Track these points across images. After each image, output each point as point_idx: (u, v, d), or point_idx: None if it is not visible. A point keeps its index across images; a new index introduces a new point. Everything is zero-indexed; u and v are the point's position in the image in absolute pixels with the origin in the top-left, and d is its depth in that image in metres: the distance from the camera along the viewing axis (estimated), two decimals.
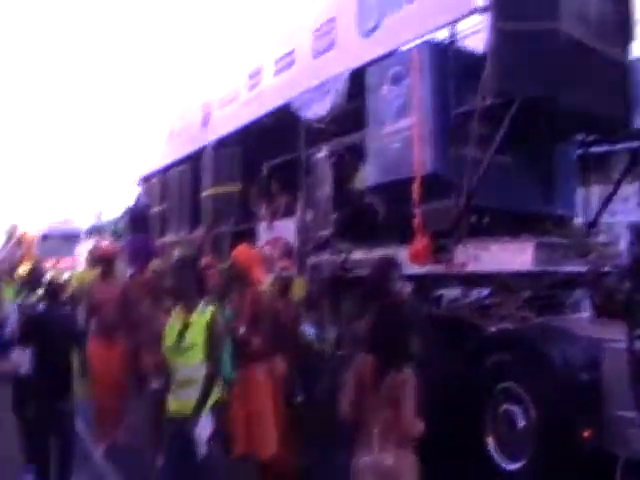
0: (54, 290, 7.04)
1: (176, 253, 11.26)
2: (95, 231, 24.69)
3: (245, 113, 11.96)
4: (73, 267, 26.97)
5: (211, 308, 5.62)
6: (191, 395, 5.34)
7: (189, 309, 5.58)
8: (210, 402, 5.34)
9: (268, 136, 11.44)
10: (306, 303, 8.18)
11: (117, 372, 8.80)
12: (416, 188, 7.59)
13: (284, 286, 7.92)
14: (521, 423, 6.70)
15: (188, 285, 5.67)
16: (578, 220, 9.17)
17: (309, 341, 7.73)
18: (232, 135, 12.64)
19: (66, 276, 25.34)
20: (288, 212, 11.05)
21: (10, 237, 29.95)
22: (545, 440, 6.40)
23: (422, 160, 7.55)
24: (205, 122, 13.80)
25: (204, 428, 5.22)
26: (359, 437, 4.57)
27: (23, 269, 14.16)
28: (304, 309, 8.04)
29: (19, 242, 28.41)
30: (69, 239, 29.54)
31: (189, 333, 5.47)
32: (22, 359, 6.30)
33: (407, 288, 7.53)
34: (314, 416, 7.02)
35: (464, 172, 7.33)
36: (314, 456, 7.19)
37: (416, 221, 7.63)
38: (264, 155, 11.92)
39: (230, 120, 12.58)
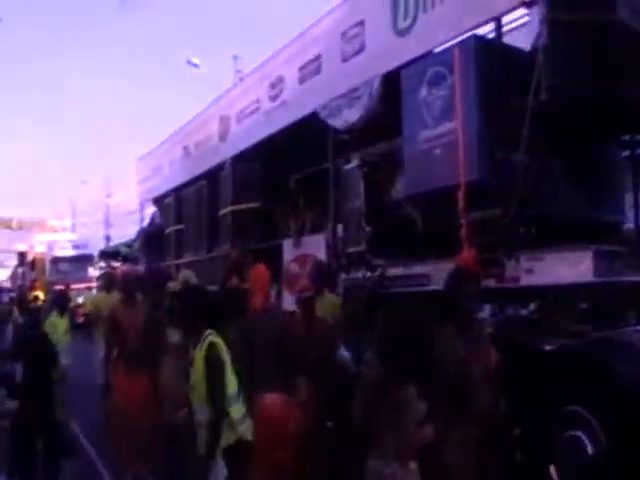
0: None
1: (180, 277, 10.80)
2: (108, 254, 24.26)
3: (266, 125, 11.45)
4: (87, 290, 26.66)
5: (210, 339, 5.11)
6: (200, 440, 5.00)
7: (195, 342, 5.16)
8: (221, 447, 4.93)
9: (292, 148, 10.89)
10: (340, 323, 7.60)
11: (142, 401, 8.23)
12: (461, 196, 7.01)
13: (306, 307, 7.31)
14: (589, 451, 6.08)
15: (190, 315, 5.28)
16: (629, 226, 8.57)
17: (344, 363, 7.13)
18: (252, 149, 12.12)
19: (80, 299, 25.16)
20: (316, 227, 10.52)
21: (23, 261, 29.72)
22: (617, 470, 5.78)
23: (467, 166, 6.96)
24: (223, 137, 13.31)
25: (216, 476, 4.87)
26: (376, 445, 4.49)
27: (37, 294, 13.96)
28: (338, 329, 7.46)
29: (32, 266, 28.13)
30: (80, 261, 29.28)
31: (193, 370, 5.10)
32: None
33: None
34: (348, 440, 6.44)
35: (513, 178, 6.74)
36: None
37: (462, 232, 7.05)
38: (287, 168, 11.40)
39: (250, 133, 12.08)
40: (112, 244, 26.14)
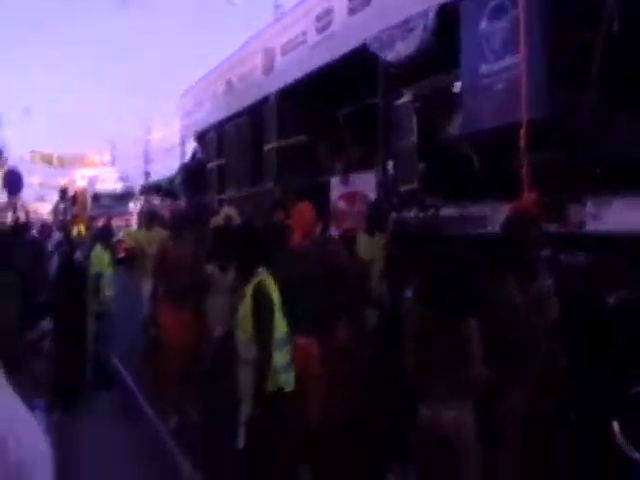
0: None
1: (222, 215, 10.58)
2: (150, 189, 24.12)
3: (313, 58, 11.05)
4: (127, 226, 26.70)
5: (260, 277, 4.93)
6: (241, 377, 4.89)
7: (245, 280, 4.97)
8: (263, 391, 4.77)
9: (339, 82, 10.53)
10: (387, 263, 7.36)
11: (189, 339, 8.13)
12: (523, 135, 6.62)
13: (347, 245, 7.12)
14: None
15: (242, 253, 5.11)
16: None
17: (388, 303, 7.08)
18: (298, 83, 11.73)
19: (120, 235, 25.19)
20: (364, 164, 10.21)
21: (64, 195, 29.72)
22: None
23: (531, 103, 6.56)
24: (267, 70, 12.94)
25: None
26: (422, 392, 4.44)
27: (79, 229, 13.91)
28: (384, 270, 7.24)
29: (73, 200, 28.14)
30: (121, 197, 29.31)
31: (241, 307, 4.94)
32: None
33: None
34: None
35: (580, 117, 6.35)
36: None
37: (523, 174, 6.69)
38: (334, 103, 11.05)
39: (295, 67, 11.70)
40: (152, 180, 25.88)
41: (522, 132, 6.60)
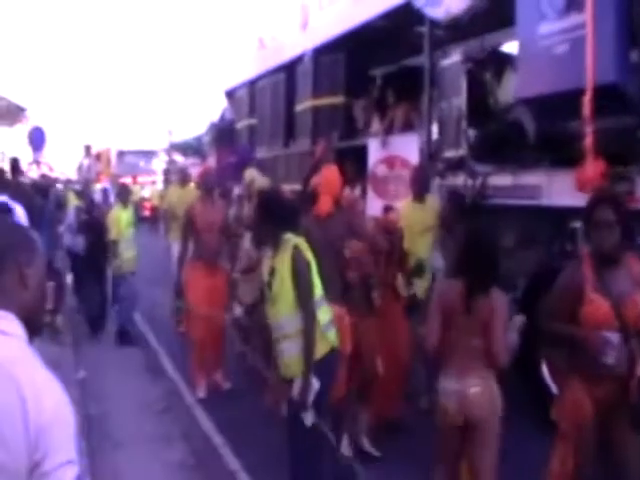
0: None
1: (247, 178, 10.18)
2: (176, 148, 23.73)
3: (352, 14, 10.52)
4: (153, 183, 26.48)
5: (294, 241, 4.70)
6: (285, 353, 4.71)
7: (277, 249, 4.71)
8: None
9: (380, 40, 10.05)
10: (443, 232, 7.05)
11: (218, 302, 7.88)
12: (587, 101, 6.14)
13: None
14: None
15: (270, 221, 4.79)
16: None
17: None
18: (336, 39, 11.19)
19: (145, 193, 24.98)
20: (406, 126, 9.76)
21: (88, 152, 29.46)
22: None
23: (597, 67, 6.06)
24: (303, 26, 12.43)
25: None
26: (445, 364, 4.45)
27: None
28: (440, 239, 6.94)
29: (97, 158, 27.87)
30: (146, 155, 29.02)
31: (275, 280, 4.68)
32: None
33: None
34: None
35: None
36: None
37: (586, 142, 6.21)
38: (375, 62, 10.59)
39: (334, 22, 11.18)
40: (178, 139, 25.42)
41: (587, 98, 6.13)
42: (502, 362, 4.29)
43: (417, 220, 7.32)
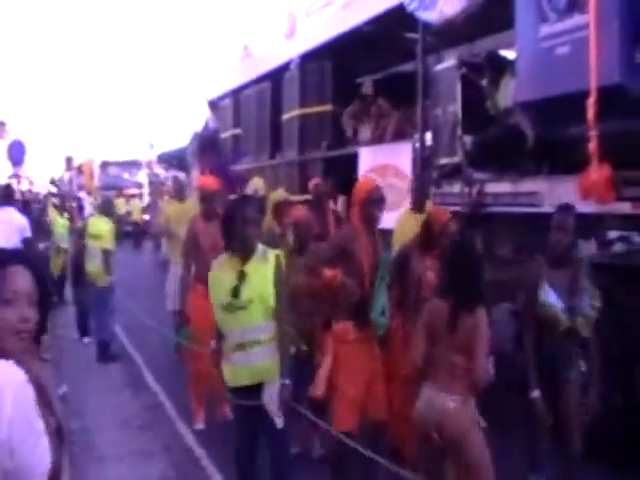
0: None
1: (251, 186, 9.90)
2: (164, 159, 23.41)
3: (341, 19, 10.32)
4: (134, 197, 26.10)
5: (274, 253, 4.78)
6: (256, 359, 4.65)
7: (245, 256, 4.64)
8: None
9: (369, 46, 9.84)
10: (421, 242, 6.77)
11: None
12: (591, 104, 5.93)
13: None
14: None
15: (246, 229, 4.67)
16: None
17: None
18: (324, 46, 11.02)
19: (127, 207, 24.61)
20: (398, 135, 9.55)
21: (69, 165, 29.10)
22: None
23: (601, 68, 5.86)
24: (289, 33, 12.22)
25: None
26: (427, 380, 4.44)
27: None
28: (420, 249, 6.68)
29: (79, 170, 27.51)
30: (131, 167, 28.63)
31: (246, 286, 4.59)
32: None
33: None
34: None
35: None
36: None
37: (590, 146, 6.00)
38: (363, 69, 10.38)
39: (322, 29, 10.99)
40: (160, 150, 25.00)
41: (591, 100, 5.92)
42: (481, 381, 4.30)
43: (414, 230, 6.97)
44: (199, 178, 8.07)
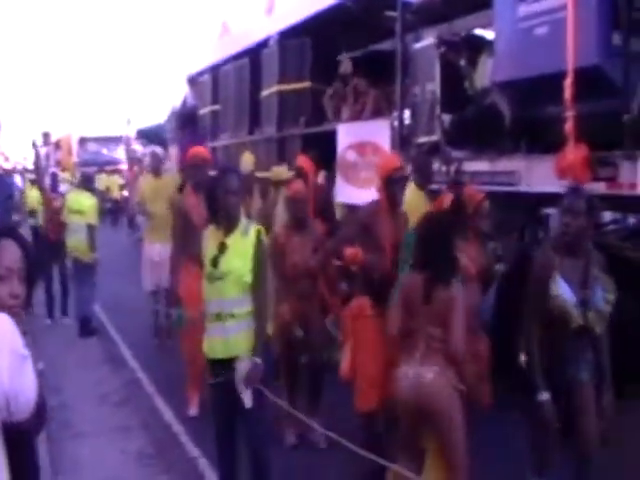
0: None
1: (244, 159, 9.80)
2: (142, 135, 23.19)
3: None
4: (114, 173, 25.81)
5: (257, 227, 4.70)
6: (231, 332, 4.57)
7: (228, 228, 4.60)
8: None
9: (348, 23, 9.82)
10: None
11: None
12: (568, 85, 5.99)
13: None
14: None
15: (228, 200, 4.60)
16: None
17: None
18: (302, 24, 11.01)
19: (107, 184, 24.33)
20: (376, 112, 9.58)
21: (47, 140, 28.58)
22: None
23: (579, 49, 5.91)
24: (269, 9, 12.18)
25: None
26: (404, 353, 4.46)
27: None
28: None
29: (57, 145, 27.04)
30: (110, 142, 28.22)
31: (225, 257, 4.55)
32: None
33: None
34: None
35: (637, 69, 5.76)
36: None
37: (567, 127, 6.06)
38: (342, 46, 10.36)
39: (300, 6, 10.96)
40: (137, 126, 24.58)
41: (568, 81, 5.98)
42: (458, 352, 4.31)
43: (421, 207, 6.65)
44: (190, 149, 7.72)
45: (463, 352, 4.34)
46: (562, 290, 4.24)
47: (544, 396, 4.19)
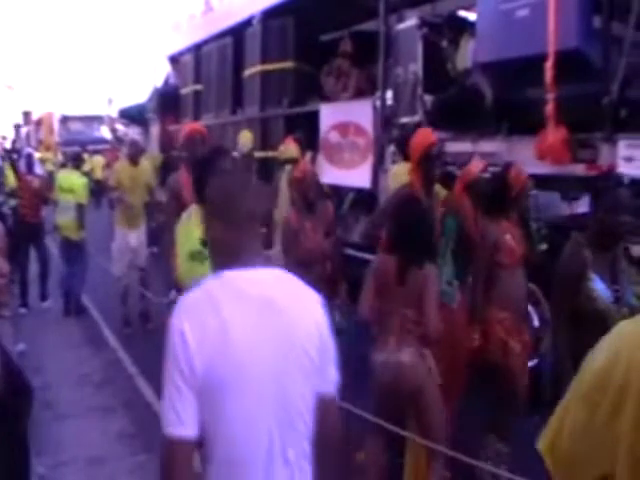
0: None
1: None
2: (124, 115, 22.98)
3: None
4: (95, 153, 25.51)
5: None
6: None
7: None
8: None
9: (332, 3, 9.75)
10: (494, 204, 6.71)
11: None
12: (549, 67, 6.02)
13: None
14: None
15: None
16: None
17: None
18: (285, 3, 10.93)
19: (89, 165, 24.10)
20: (359, 92, 9.58)
21: (27, 119, 28.37)
22: None
23: (560, 32, 5.93)
24: None
25: None
26: (379, 335, 4.49)
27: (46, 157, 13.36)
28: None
29: (38, 124, 26.83)
30: (92, 121, 27.88)
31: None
32: None
33: None
34: None
35: (616, 49, 5.78)
36: None
37: (548, 109, 6.10)
38: (327, 25, 10.31)
39: None
40: (118, 105, 24.26)
41: (549, 63, 6.00)
42: (433, 333, 4.29)
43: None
44: (186, 126, 7.62)
45: (437, 333, 4.30)
46: (599, 289, 3.96)
47: None
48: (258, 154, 10.83)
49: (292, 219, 6.00)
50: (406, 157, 7.31)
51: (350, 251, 8.00)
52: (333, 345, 2.27)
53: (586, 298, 3.95)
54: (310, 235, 5.84)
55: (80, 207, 10.18)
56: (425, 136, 5.65)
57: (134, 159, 9.68)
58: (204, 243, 4.47)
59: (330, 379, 2.28)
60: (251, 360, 2.08)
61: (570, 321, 4.00)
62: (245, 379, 2.07)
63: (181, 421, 2.02)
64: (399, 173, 7.14)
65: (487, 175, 5.67)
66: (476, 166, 5.63)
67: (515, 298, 4.94)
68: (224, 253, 2.28)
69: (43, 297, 10.79)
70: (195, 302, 2.14)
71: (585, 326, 3.87)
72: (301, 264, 5.70)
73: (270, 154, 10.67)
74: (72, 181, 10.35)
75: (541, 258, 5.50)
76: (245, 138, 8.62)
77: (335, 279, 6.01)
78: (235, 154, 8.30)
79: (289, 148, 7.97)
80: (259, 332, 2.10)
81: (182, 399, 2.03)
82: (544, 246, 5.92)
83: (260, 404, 2.10)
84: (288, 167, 7.52)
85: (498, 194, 5.21)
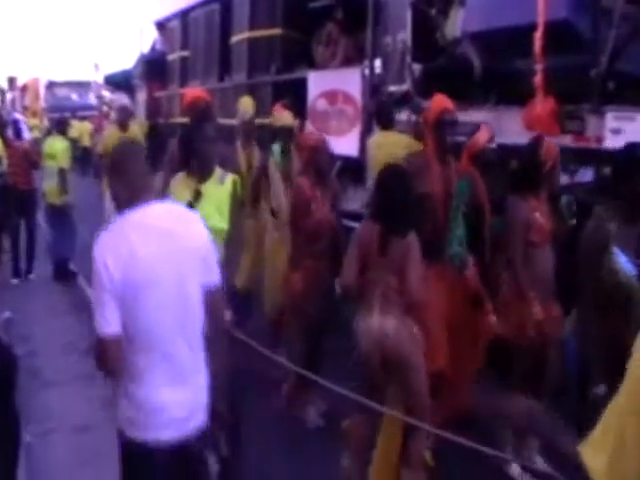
0: None
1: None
2: (110, 81, 22.75)
3: None
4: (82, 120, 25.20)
5: (233, 178, 4.77)
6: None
7: (202, 176, 4.68)
8: None
9: None
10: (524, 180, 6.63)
11: None
12: (538, 38, 5.98)
13: None
14: None
15: (203, 148, 4.69)
16: None
17: None
18: None
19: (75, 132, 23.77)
20: (348, 60, 9.52)
21: (12, 85, 27.97)
22: None
23: (549, 2, 5.87)
24: None
25: None
26: (362, 304, 4.45)
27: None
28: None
29: (23, 90, 26.48)
30: (79, 87, 27.52)
31: (198, 204, 4.57)
32: None
33: None
34: None
35: (606, 20, 5.74)
36: None
37: (536, 79, 6.06)
38: None
39: None
40: (104, 71, 23.95)
41: (538, 34, 5.96)
42: (415, 301, 4.35)
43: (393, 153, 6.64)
44: (188, 92, 7.54)
45: (420, 300, 4.37)
46: (621, 262, 3.89)
47: (601, 389, 3.97)
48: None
49: (305, 188, 5.74)
50: (383, 126, 7.36)
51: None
52: (214, 250, 3.18)
53: (608, 271, 3.88)
54: (320, 206, 5.68)
55: (62, 171, 10.15)
56: (438, 102, 5.53)
57: (123, 124, 9.68)
58: (190, 205, 4.56)
59: (214, 272, 3.13)
60: (154, 269, 2.86)
61: (596, 298, 4.01)
62: (152, 284, 2.85)
63: (108, 323, 2.87)
64: (385, 143, 7.15)
65: (493, 145, 5.61)
66: (483, 136, 5.57)
67: (545, 276, 4.88)
68: (125, 200, 3.03)
69: (28, 271, 10.56)
70: (109, 236, 3.00)
71: (612, 305, 3.85)
72: (309, 236, 5.67)
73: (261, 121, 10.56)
74: (55, 147, 10.34)
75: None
76: (246, 104, 8.44)
77: (340, 253, 5.91)
78: (236, 121, 8.16)
79: (283, 115, 7.86)
80: (159, 249, 2.89)
81: (107, 307, 2.88)
82: (574, 221, 5.71)
83: (165, 302, 2.89)
84: (277, 149, 7.30)
85: (529, 170, 5.09)
